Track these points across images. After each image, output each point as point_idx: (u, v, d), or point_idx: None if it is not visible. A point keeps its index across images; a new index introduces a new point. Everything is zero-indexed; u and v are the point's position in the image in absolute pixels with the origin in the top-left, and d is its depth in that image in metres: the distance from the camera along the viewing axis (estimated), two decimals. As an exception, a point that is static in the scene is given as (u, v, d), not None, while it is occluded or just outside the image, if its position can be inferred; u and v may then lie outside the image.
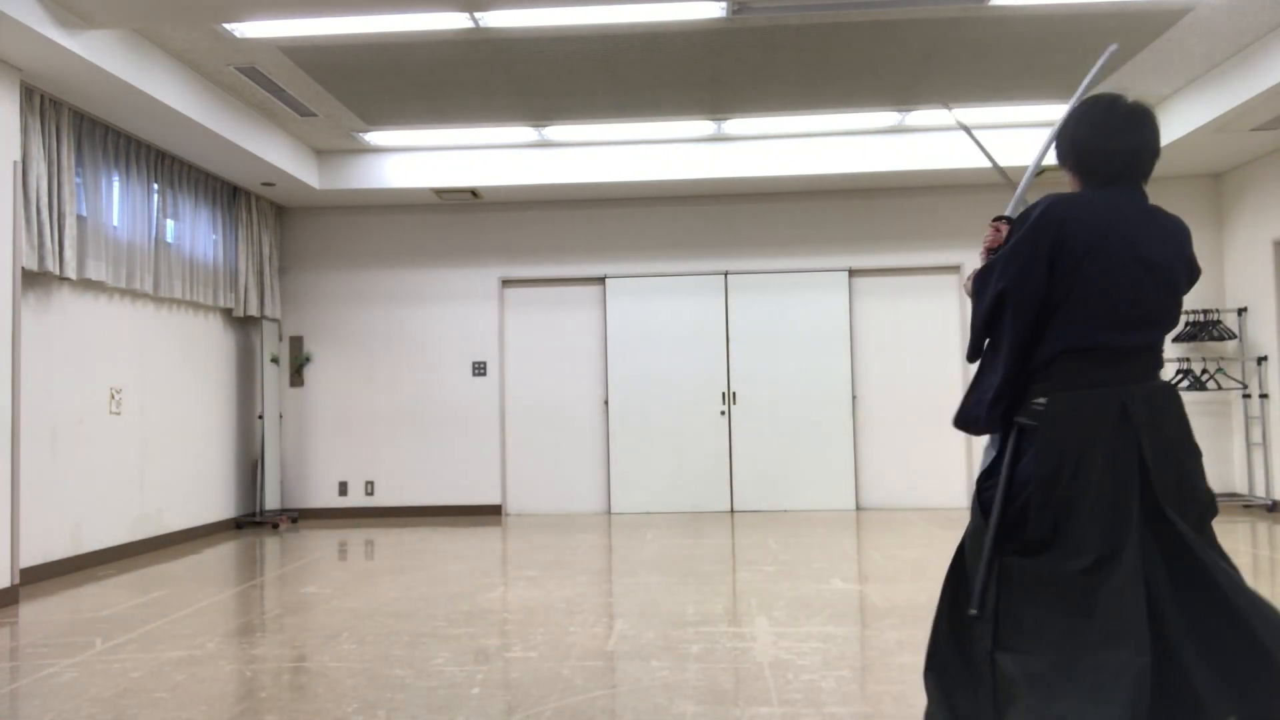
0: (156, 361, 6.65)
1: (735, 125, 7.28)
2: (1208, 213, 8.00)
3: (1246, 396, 7.69)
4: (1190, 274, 2.09)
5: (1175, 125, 6.78)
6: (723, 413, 8.27)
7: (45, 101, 5.36)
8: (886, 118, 7.21)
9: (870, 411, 8.25)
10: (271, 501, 7.99)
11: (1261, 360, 7.51)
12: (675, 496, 8.23)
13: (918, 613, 4.10)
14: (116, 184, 6.15)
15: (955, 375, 8.18)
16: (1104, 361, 1.98)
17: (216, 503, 7.45)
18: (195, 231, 7.07)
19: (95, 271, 5.82)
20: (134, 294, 6.40)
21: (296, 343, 8.44)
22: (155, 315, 6.67)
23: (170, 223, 6.78)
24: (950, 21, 5.38)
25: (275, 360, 8.17)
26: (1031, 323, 2.01)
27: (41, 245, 5.26)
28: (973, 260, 8.16)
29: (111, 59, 5.09)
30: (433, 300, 8.44)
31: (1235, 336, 7.71)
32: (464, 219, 8.48)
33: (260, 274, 7.95)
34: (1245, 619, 1.80)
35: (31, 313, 5.38)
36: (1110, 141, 2.03)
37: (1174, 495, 1.92)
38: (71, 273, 5.51)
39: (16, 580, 4.84)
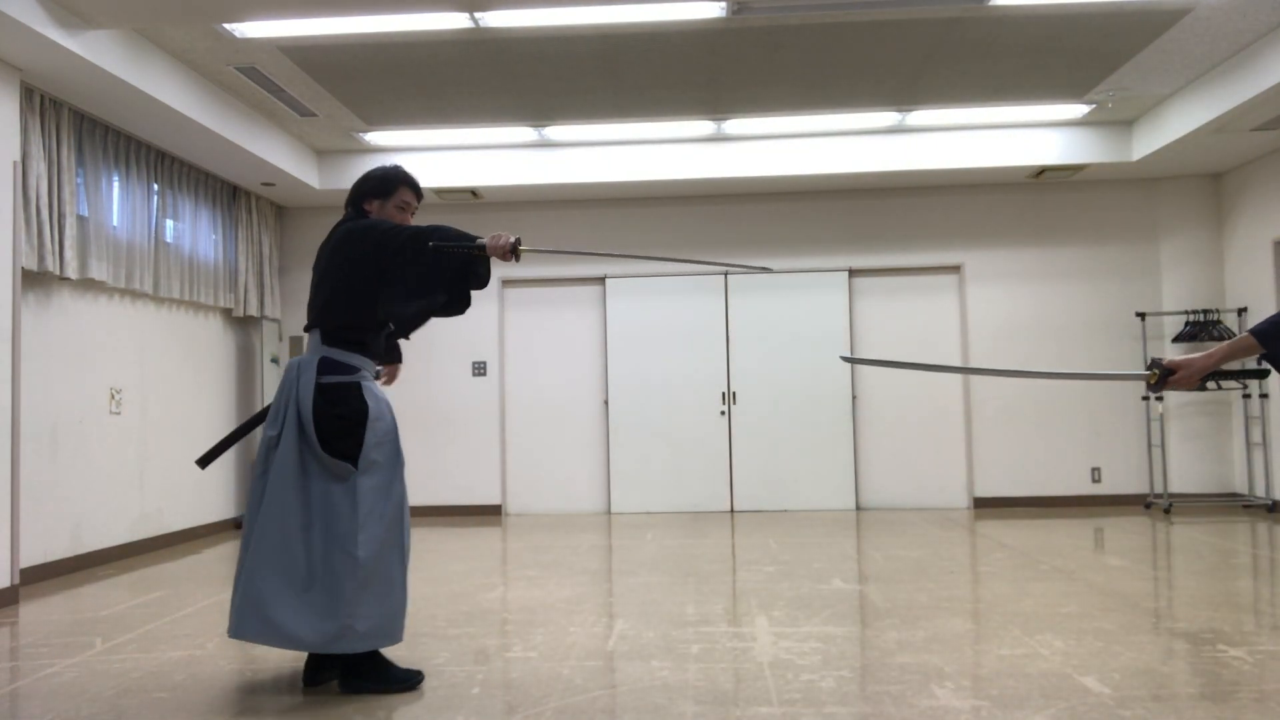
0: (156, 361, 6.65)
1: (735, 125, 7.28)
2: (1208, 212, 7.99)
3: (1246, 396, 7.69)
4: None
5: (1175, 125, 6.79)
6: (723, 413, 8.27)
7: (45, 101, 5.36)
8: (886, 118, 7.21)
9: (870, 411, 8.25)
10: (271, 501, 7.97)
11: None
12: (675, 496, 8.23)
13: (917, 613, 4.10)
14: (116, 184, 6.15)
15: (954, 375, 8.18)
16: None
17: (216, 503, 7.45)
18: (195, 231, 7.07)
19: (95, 271, 5.82)
20: (134, 294, 6.40)
21: (296, 343, 8.44)
22: (155, 315, 6.67)
23: (170, 223, 6.78)
24: (950, 21, 5.39)
25: (275, 360, 8.17)
26: None
27: (41, 245, 5.26)
28: (973, 259, 8.17)
29: (111, 59, 5.09)
30: (433, 300, 8.41)
31: (1235, 336, 7.70)
32: (464, 219, 8.47)
33: (260, 274, 7.95)
34: None
35: (31, 313, 5.38)
36: None
37: None
38: (72, 273, 5.51)
39: (16, 580, 4.84)
